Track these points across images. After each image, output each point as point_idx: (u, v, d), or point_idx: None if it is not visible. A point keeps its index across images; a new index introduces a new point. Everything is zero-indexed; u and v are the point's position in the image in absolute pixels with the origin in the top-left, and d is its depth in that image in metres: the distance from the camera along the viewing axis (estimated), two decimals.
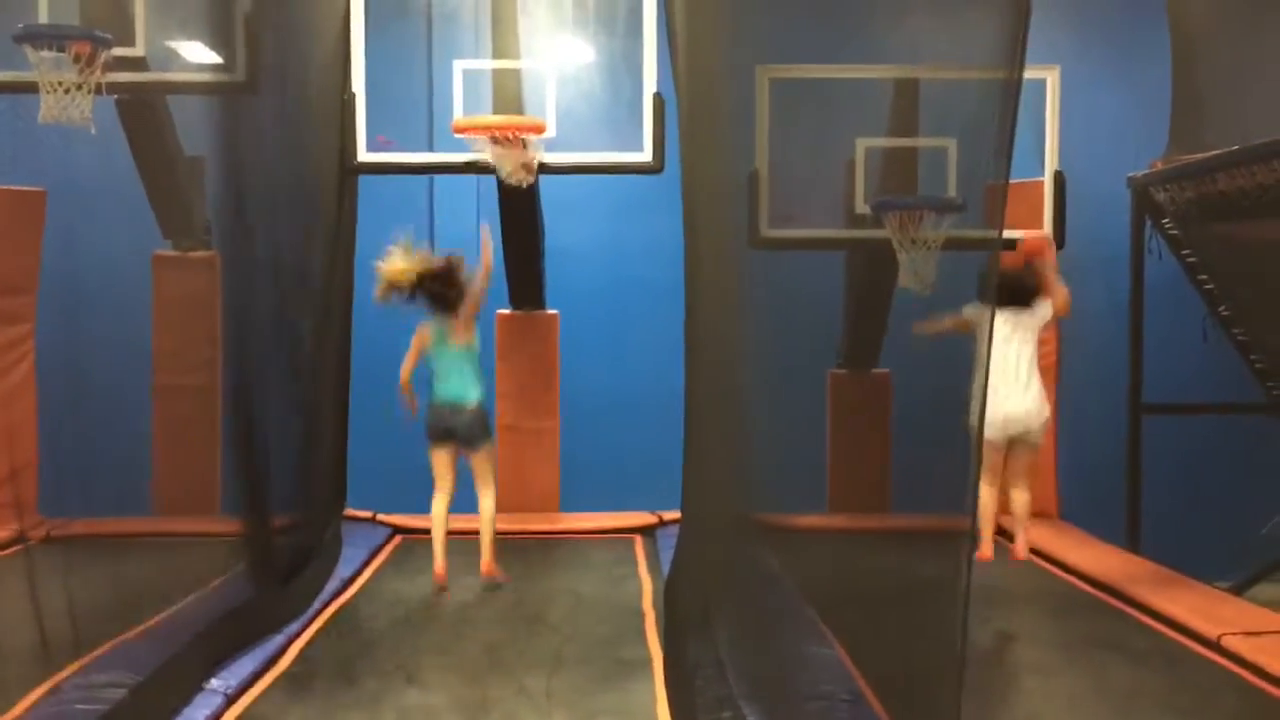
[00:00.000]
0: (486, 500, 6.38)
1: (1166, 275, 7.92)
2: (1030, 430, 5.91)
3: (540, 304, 8.40)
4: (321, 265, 7.20)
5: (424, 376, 6.42)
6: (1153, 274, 7.94)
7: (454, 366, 6.25)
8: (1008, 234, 6.09)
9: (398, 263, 6.15)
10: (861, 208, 6.54)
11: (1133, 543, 7.61)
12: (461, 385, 6.22)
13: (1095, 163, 7.67)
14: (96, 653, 4.64)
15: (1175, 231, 7.76)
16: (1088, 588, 6.39)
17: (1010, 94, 2.93)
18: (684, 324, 5.79)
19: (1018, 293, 5.96)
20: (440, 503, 6.35)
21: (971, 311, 5.55)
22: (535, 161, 6.60)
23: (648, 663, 5.04)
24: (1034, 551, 7.15)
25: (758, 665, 4.41)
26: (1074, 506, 7.88)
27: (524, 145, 6.52)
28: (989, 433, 5.62)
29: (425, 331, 6.30)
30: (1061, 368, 7.90)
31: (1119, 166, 7.98)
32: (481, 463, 6.38)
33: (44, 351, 7.84)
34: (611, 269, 9.26)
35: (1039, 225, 6.73)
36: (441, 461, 6.35)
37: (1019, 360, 5.82)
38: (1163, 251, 7.85)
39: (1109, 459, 8.05)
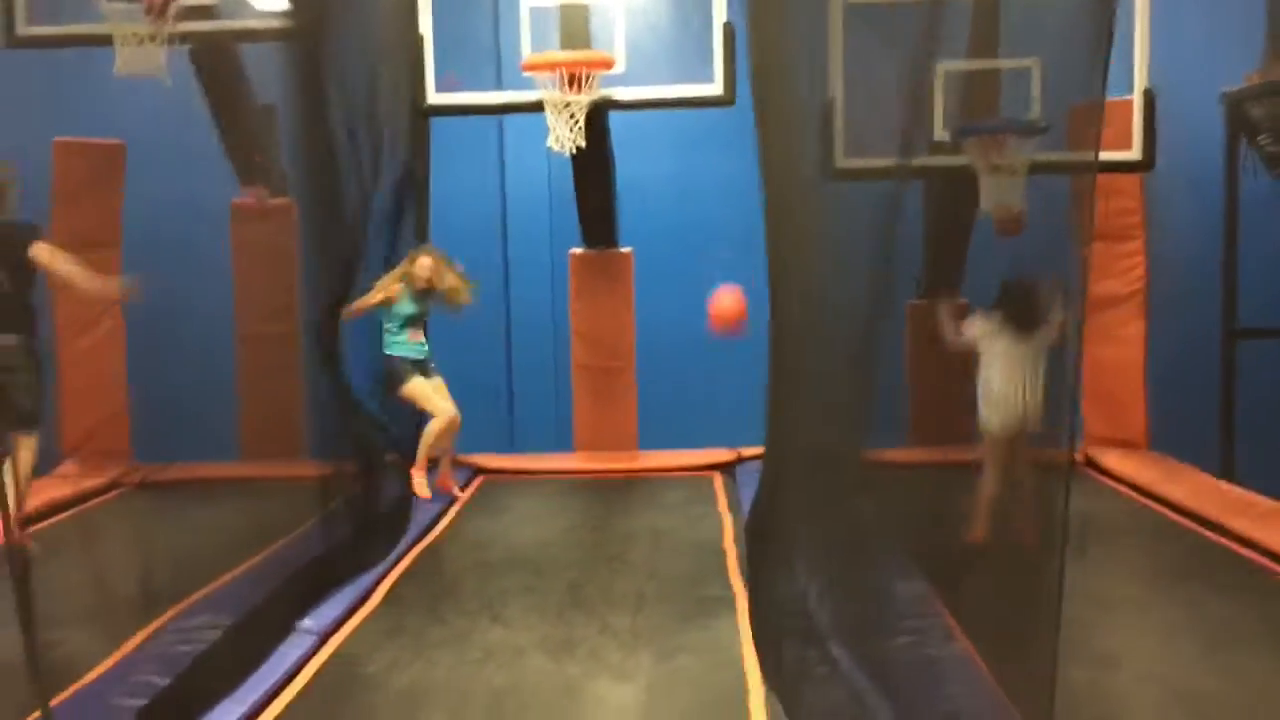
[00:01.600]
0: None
1: (1261, 194, 7.59)
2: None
3: (613, 242, 8.34)
4: (397, 209, 7.23)
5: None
6: (1247, 193, 7.62)
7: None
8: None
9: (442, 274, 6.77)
10: (941, 134, 6.35)
11: (1226, 472, 7.39)
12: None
13: (1186, 78, 7.34)
14: (194, 596, 4.78)
15: (1272, 148, 7.42)
16: (1179, 518, 6.24)
17: (1105, 5, 2.79)
18: (766, 258, 5.71)
19: (1026, 314, 5.42)
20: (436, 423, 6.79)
21: (981, 325, 5.51)
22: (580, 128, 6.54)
23: (730, 600, 5.04)
24: (1125, 482, 7.01)
25: (842, 601, 4.38)
26: (1165, 436, 7.68)
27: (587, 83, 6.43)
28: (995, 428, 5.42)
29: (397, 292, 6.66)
30: (1151, 292, 7.67)
31: (1211, 81, 7.63)
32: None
33: (131, 303, 7.99)
34: (684, 204, 9.17)
35: (1127, 146, 6.50)
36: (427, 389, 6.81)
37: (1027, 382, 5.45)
38: (1258, 169, 7.52)
39: (1201, 386, 7.81)
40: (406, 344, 6.69)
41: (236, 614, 4.47)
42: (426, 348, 6.83)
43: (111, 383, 7.86)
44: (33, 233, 5.44)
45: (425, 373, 6.81)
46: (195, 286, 7.75)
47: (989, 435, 5.37)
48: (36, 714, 3.09)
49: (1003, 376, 5.27)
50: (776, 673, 4.03)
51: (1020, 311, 5.28)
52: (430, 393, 6.77)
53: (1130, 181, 7.39)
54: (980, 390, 5.44)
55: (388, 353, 6.64)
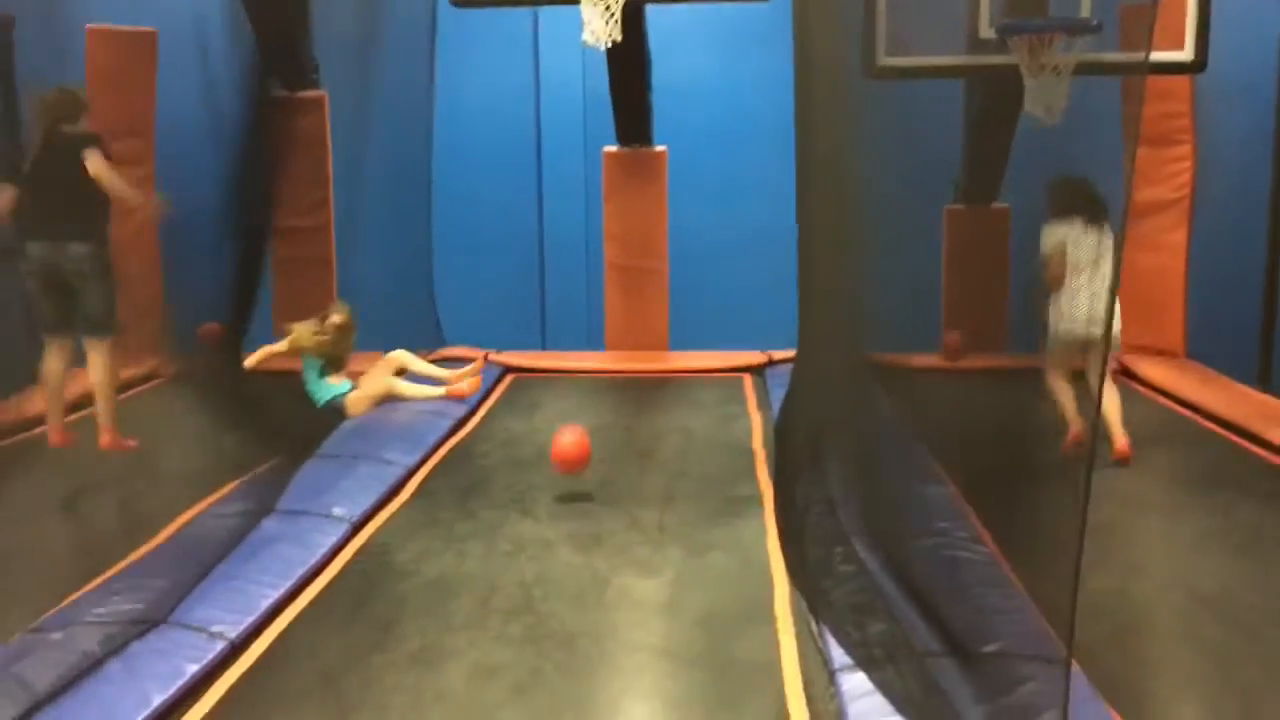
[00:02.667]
0: None
1: None
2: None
3: (648, 140, 8.23)
4: (422, 100, 7.17)
5: None
6: None
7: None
8: None
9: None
10: (986, 32, 6.17)
11: (1263, 382, 7.30)
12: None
13: None
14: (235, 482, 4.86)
15: None
16: (1214, 426, 6.19)
17: None
18: (796, 158, 5.61)
19: (1096, 202, 5.50)
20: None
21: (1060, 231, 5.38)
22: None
23: (758, 500, 5.07)
24: (1160, 390, 6.95)
25: (870, 504, 4.40)
26: (1202, 343, 7.58)
27: None
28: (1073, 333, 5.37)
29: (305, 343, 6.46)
30: (1196, 197, 7.50)
31: None
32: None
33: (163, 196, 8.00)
34: (720, 103, 9.00)
35: (1179, 45, 6.27)
36: None
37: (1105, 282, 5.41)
38: None
39: (1241, 296, 7.67)
40: (328, 386, 6.49)
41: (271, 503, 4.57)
42: (348, 383, 6.54)
43: (146, 274, 7.90)
44: (91, 141, 5.41)
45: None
46: (228, 178, 7.72)
47: (1064, 347, 5.33)
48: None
49: (1087, 280, 5.23)
50: (802, 570, 4.07)
51: (1090, 205, 5.30)
52: (371, 383, 6.56)
53: (1180, 84, 7.18)
54: (1061, 300, 5.32)
55: (320, 402, 6.45)
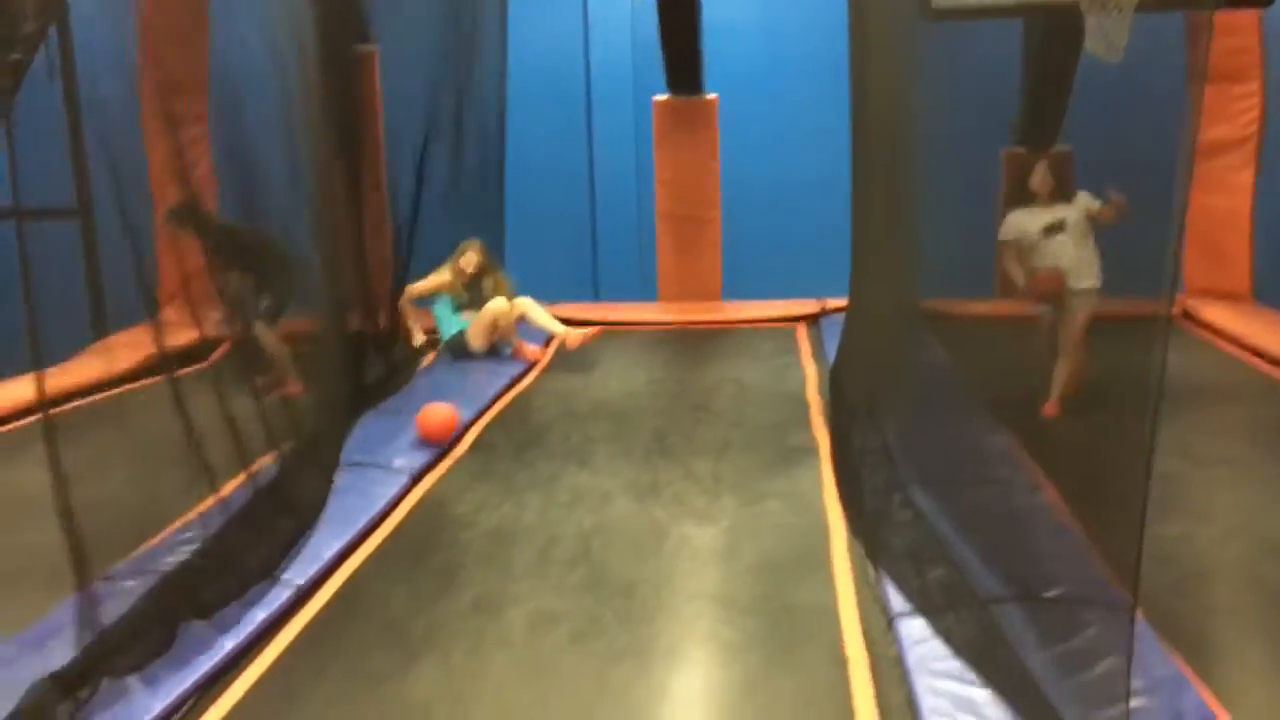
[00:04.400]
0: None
1: None
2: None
3: (698, 88, 8.15)
4: (473, 54, 7.14)
5: None
6: None
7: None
8: None
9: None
10: None
11: None
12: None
13: None
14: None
15: None
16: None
17: None
18: (850, 103, 5.53)
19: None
20: None
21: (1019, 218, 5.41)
22: None
23: (814, 449, 5.06)
24: (1224, 335, 6.81)
25: (926, 452, 4.38)
26: (1270, 287, 7.40)
27: None
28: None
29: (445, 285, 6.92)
30: (1264, 137, 7.29)
31: None
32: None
33: (220, 151, 8.05)
34: (772, 47, 8.88)
35: None
36: None
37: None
38: None
39: None
40: (458, 320, 6.90)
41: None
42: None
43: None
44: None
45: None
46: (282, 135, 7.74)
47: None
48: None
49: (1041, 260, 5.25)
50: (859, 517, 4.07)
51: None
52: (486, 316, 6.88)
53: (1248, 19, 6.96)
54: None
55: (450, 332, 6.89)
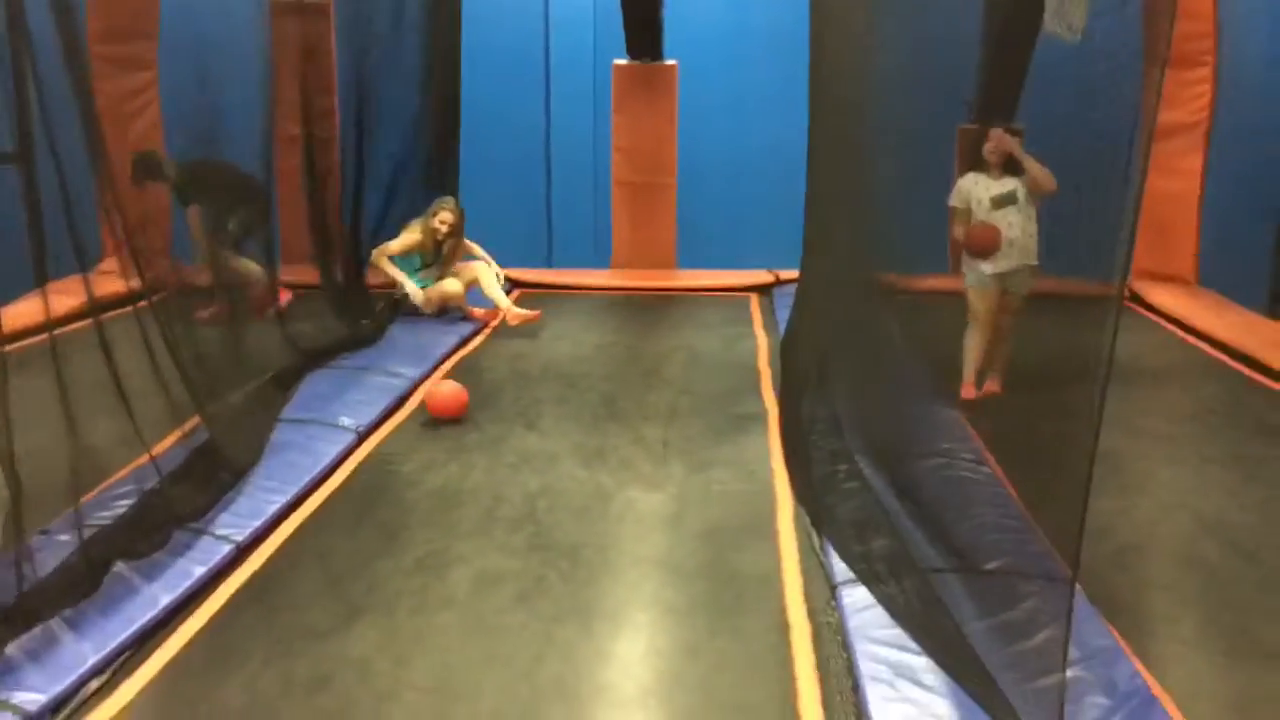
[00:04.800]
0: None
1: None
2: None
3: (658, 54, 8.09)
4: (429, 14, 7.03)
5: None
6: None
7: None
8: None
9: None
10: None
11: (1273, 311, 7.25)
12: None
13: None
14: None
15: None
16: (1222, 355, 6.17)
17: None
18: (809, 74, 5.52)
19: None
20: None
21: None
22: None
23: (762, 417, 5.08)
24: (1169, 318, 6.91)
25: (874, 423, 4.40)
26: (1214, 272, 7.52)
27: None
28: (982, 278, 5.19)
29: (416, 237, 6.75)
30: (1213, 124, 7.37)
31: None
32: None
33: (168, 98, 7.89)
34: (734, 15, 8.83)
35: None
36: None
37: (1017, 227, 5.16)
38: None
39: (1256, 223, 7.58)
40: (420, 280, 6.82)
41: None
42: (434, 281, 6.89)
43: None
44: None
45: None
46: (233, 84, 7.59)
47: (975, 290, 5.19)
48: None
49: (1001, 225, 5.08)
50: (806, 486, 4.09)
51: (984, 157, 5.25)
52: (441, 285, 6.85)
53: (1204, 4, 7.02)
54: (966, 255, 5.23)
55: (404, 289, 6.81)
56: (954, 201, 5.33)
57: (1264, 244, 7.50)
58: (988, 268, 5.11)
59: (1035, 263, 5.10)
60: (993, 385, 5.19)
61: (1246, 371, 5.87)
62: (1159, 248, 7.50)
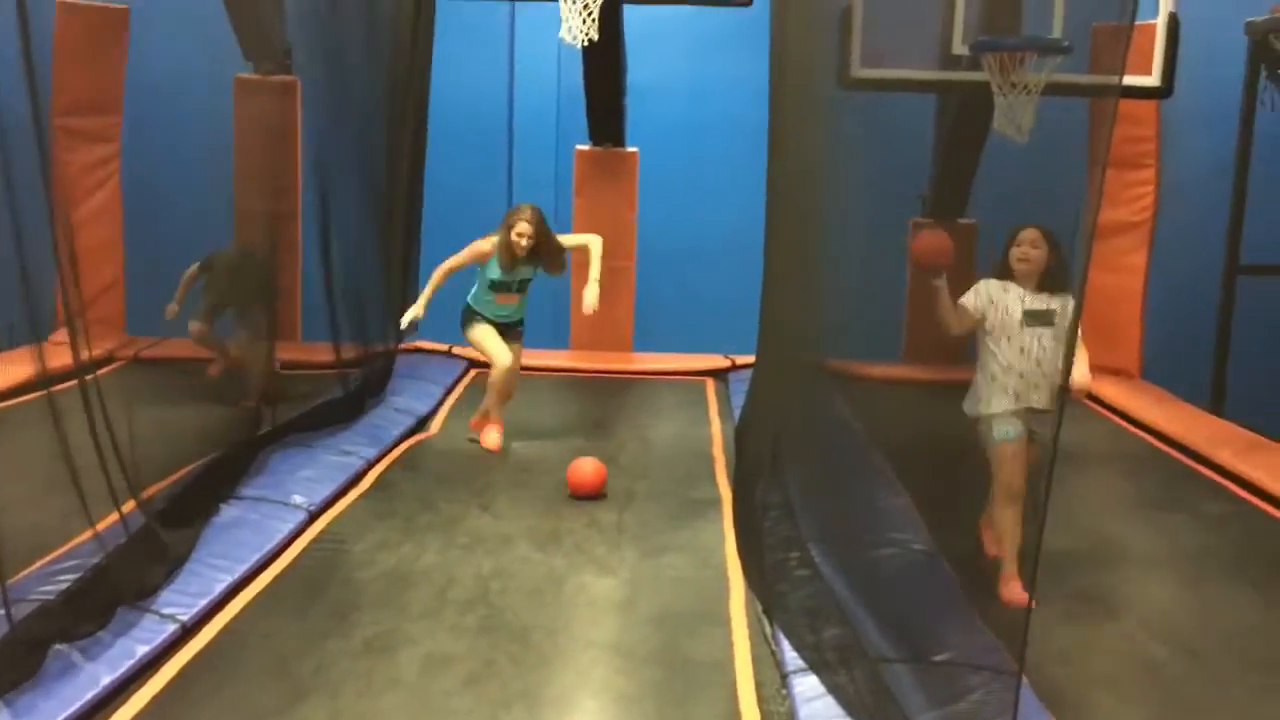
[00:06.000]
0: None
1: (1277, 129, 7.49)
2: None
3: (620, 141, 8.24)
4: (398, 89, 7.12)
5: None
6: (1263, 127, 7.50)
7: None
8: None
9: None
10: (960, 48, 6.24)
11: (1216, 406, 7.43)
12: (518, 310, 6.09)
13: (1210, 6, 7.20)
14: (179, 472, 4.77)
15: None
16: (1165, 448, 6.30)
17: None
18: (766, 165, 5.65)
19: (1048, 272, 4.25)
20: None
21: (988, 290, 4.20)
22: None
23: (717, 503, 5.10)
24: (1114, 410, 7.04)
25: (827, 510, 4.44)
26: (1157, 367, 7.70)
27: None
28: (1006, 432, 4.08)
29: (486, 250, 5.83)
30: (1157, 222, 7.61)
31: (1236, 10, 7.48)
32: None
33: (130, 172, 7.91)
34: (694, 107, 9.05)
35: (1148, 71, 6.38)
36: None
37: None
38: (1276, 102, 7.39)
39: (1199, 320, 7.79)
40: (490, 304, 5.96)
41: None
42: (512, 313, 6.07)
43: (107, 252, 7.81)
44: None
45: (505, 334, 6.03)
46: (196, 159, 7.64)
47: (1004, 446, 4.05)
48: None
49: (1016, 355, 4.05)
50: (758, 573, 4.10)
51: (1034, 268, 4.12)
52: (490, 342, 5.96)
53: (1147, 108, 7.28)
54: (981, 379, 4.20)
55: (469, 301, 5.99)
56: (968, 301, 4.19)
57: (1207, 340, 7.71)
58: (1007, 402, 4.02)
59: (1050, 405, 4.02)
60: (1014, 584, 3.96)
61: (1190, 464, 5.98)
62: (1104, 342, 7.64)
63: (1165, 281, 7.80)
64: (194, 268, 6.78)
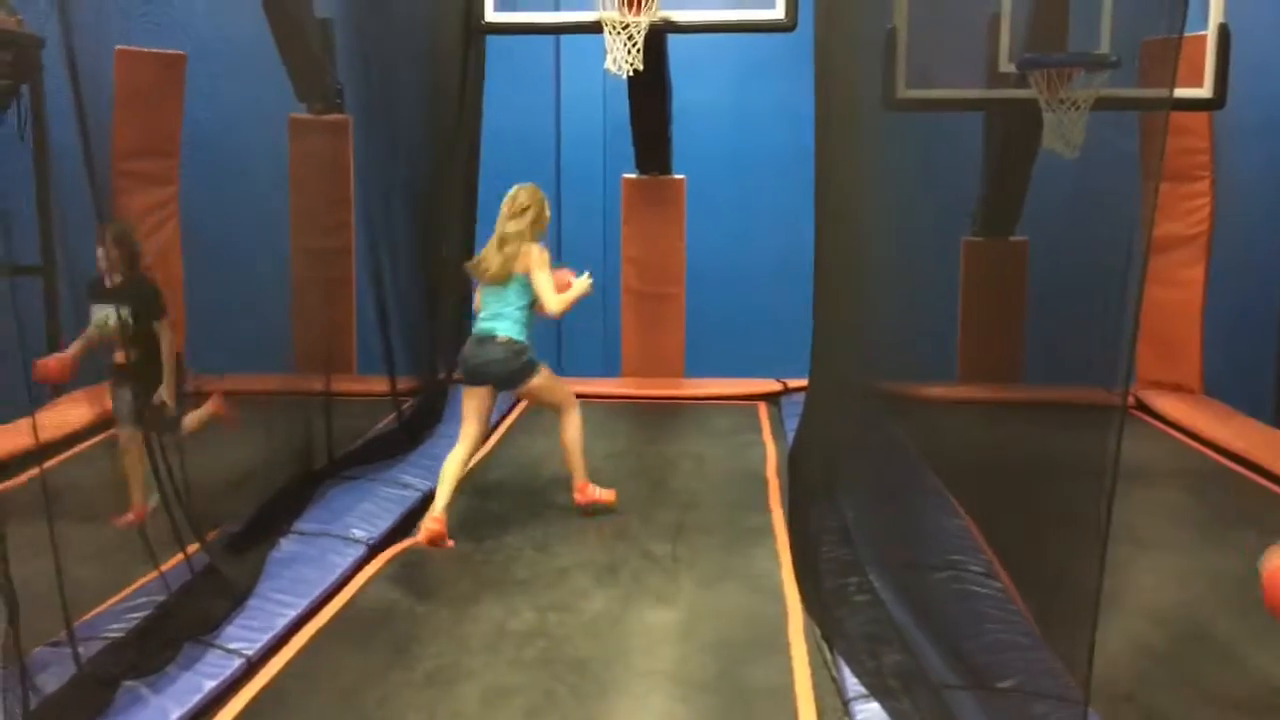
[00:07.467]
0: (568, 423, 5.21)
1: None
2: None
3: (667, 168, 8.29)
4: (448, 126, 7.23)
5: None
6: None
7: (493, 296, 5.07)
8: None
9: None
10: (1006, 66, 6.21)
11: (1279, 418, 7.29)
12: (494, 317, 5.01)
13: (1263, 15, 7.11)
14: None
15: None
16: (1230, 463, 6.18)
17: None
18: (815, 188, 5.65)
19: None
20: (456, 453, 5.01)
21: None
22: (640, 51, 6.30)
23: (772, 528, 5.08)
24: (1176, 426, 6.93)
25: (884, 533, 4.41)
26: (1220, 382, 7.57)
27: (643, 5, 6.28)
28: None
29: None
30: (1214, 237, 7.50)
31: None
32: (541, 394, 5.19)
33: (188, 213, 8.07)
34: (740, 132, 9.08)
35: (1199, 83, 6.31)
36: (469, 405, 5.10)
37: None
38: None
39: (1259, 333, 7.67)
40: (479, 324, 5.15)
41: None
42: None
43: (168, 291, 7.95)
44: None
45: None
46: (254, 198, 7.77)
47: None
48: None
49: None
50: (816, 599, 4.08)
51: None
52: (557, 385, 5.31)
53: (1199, 120, 7.20)
54: None
55: (530, 338, 5.13)
56: None
57: (1268, 354, 7.58)
58: None
59: None
60: None
61: (1256, 479, 5.87)
62: (1164, 358, 7.56)
63: (1224, 294, 7.67)
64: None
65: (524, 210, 5.11)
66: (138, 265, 4.75)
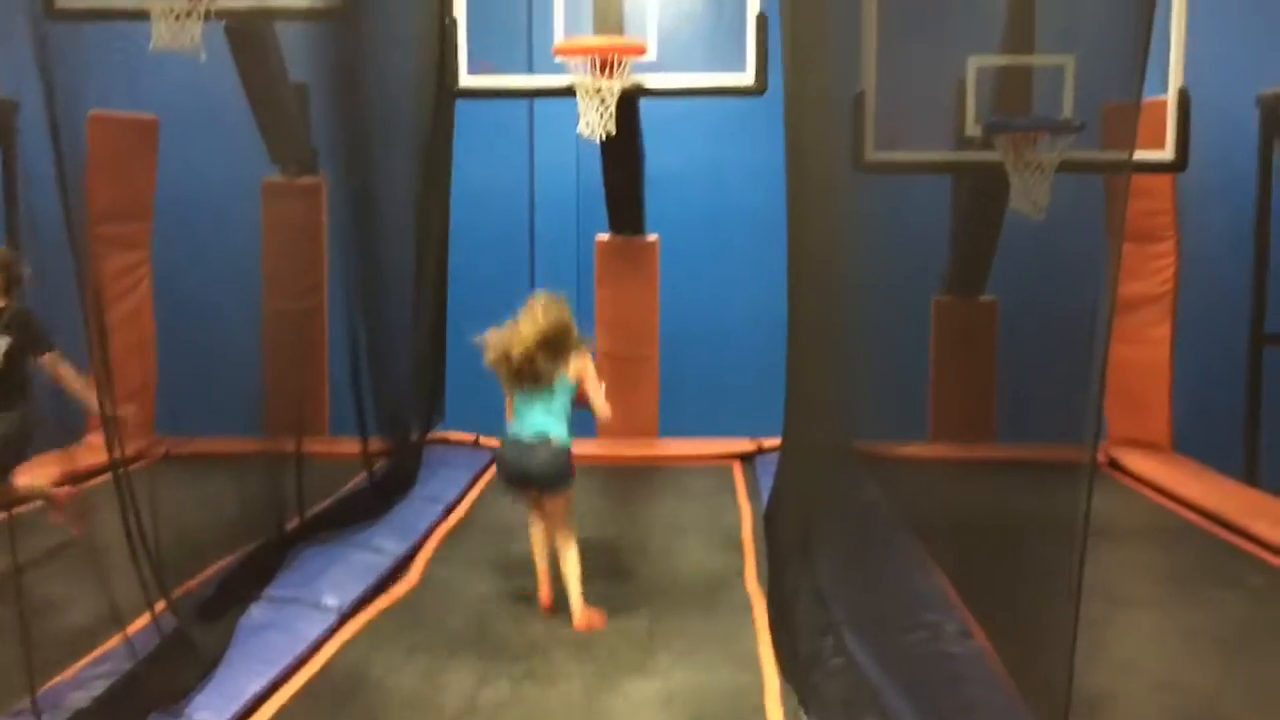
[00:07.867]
0: (570, 553, 4.82)
1: None
2: None
3: (640, 229, 8.35)
4: (420, 189, 7.27)
5: None
6: (1279, 198, 7.54)
7: (539, 398, 4.86)
8: None
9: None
10: (972, 129, 6.32)
11: (1250, 477, 7.35)
12: (544, 420, 4.80)
13: (1221, 79, 7.27)
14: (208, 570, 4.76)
15: None
16: (1202, 521, 6.21)
17: (1144, 4, 2.77)
18: (786, 249, 5.71)
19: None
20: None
21: None
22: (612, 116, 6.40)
23: (748, 592, 5.05)
24: (1147, 483, 6.97)
25: (860, 594, 4.40)
26: (1188, 439, 7.63)
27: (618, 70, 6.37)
28: None
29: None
30: (1179, 296, 7.61)
31: (1247, 83, 7.56)
32: (561, 506, 4.87)
33: (160, 276, 8.06)
34: (712, 194, 9.17)
35: (1160, 146, 6.45)
36: (533, 509, 4.96)
37: None
38: None
39: (1226, 391, 7.74)
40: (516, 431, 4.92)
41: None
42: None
43: (140, 353, 7.92)
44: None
45: None
46: (225, 261, 7.77)
47: None
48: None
49: None
50: (793, 663, 4.05)
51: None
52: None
53: (1162, 182, 7.33)
54: None
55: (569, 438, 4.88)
56: None
57: (1236, 410, 7.66)
58: None
59: None
60: None
61: (1227, 537, 5.90)
62: (1134, 415, 7.63)
63: (1191, 352, 7.76)
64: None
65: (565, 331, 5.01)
66: (14, 291, 4.90)
